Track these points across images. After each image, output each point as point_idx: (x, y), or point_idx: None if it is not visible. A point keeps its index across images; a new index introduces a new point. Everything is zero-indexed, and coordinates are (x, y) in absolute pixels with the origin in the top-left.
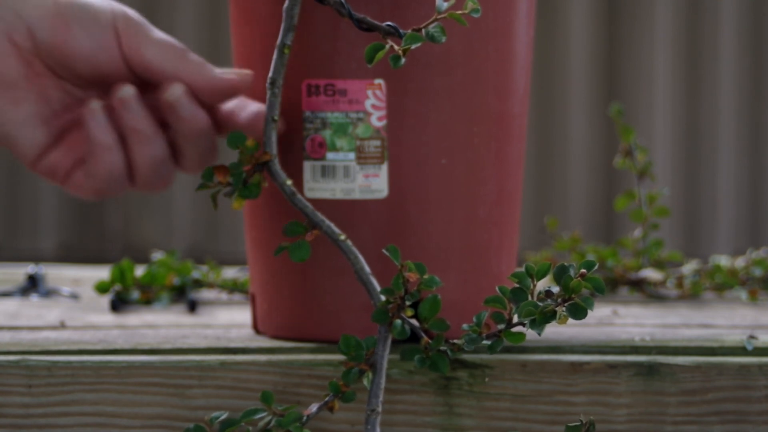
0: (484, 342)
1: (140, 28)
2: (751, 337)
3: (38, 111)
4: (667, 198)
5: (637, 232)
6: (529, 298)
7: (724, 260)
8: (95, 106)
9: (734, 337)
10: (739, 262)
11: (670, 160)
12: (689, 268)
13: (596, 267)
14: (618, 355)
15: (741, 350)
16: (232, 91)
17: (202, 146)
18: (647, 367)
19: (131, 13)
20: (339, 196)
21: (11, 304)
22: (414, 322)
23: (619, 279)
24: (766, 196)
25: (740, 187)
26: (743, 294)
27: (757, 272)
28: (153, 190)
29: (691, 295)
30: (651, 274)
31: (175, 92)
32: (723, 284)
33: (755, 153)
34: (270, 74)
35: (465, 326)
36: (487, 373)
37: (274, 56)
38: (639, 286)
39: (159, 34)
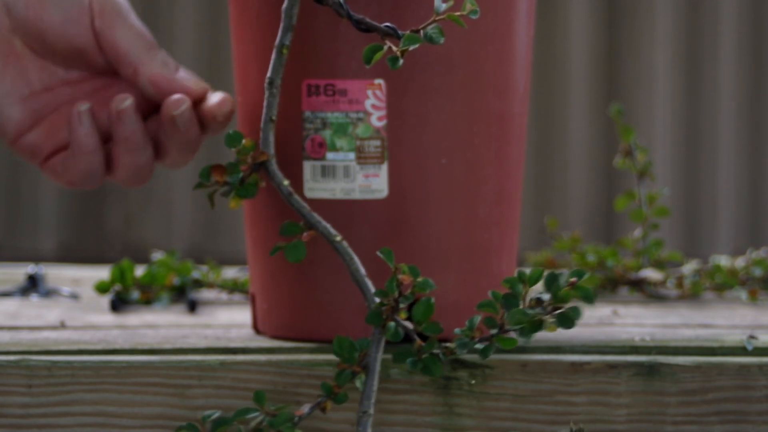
0: (477, 346)
1: (117, 9)
2: (751, 337)
3: (16, 89)
4: (667, 198)
5: (637, 232)
6: (521, 303)
7: (724, 260)
8: (82, 109)
9: (734, 337)
10: (739, 262)
11: (670, 160)
12: (689, 268)
13: (587, 276)
14: (618, 355)
15: (741, 350)
16: (185, 95)
17: (190, 148)
18: (647, 367)
19: None
20: (339, 196)
21: (11, 304)
22: (408, 324)
23: (619, 279)
24: (766, 196)
25: (740, 187)
26: (743, 294)
27: (757, 272)
28: (129, 187)
29: (691, 295)
30: (651, 274)
31: (180, 108)
32: (723, 284)
33: (755, 153)
34: (268, 74)
35: (457, 330)
36: (486, 374)
37: (273, 56)
38: (639, 286)
39: (135, 20)
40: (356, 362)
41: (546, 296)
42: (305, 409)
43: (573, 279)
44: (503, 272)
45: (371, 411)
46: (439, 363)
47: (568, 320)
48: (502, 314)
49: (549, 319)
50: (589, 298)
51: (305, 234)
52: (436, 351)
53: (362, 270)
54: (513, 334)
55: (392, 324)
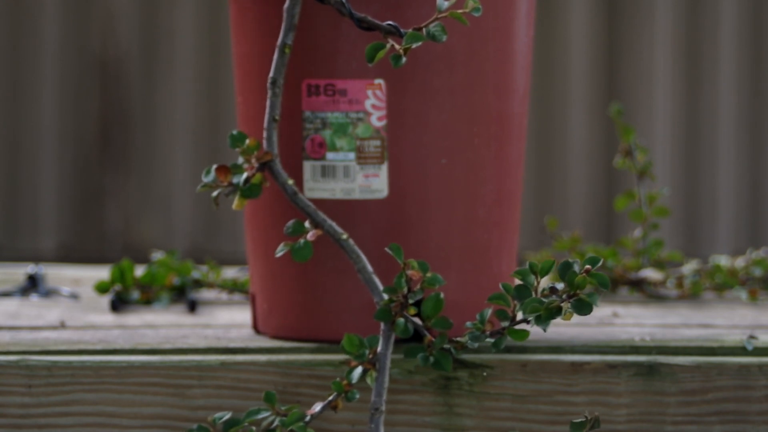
0: (488, 339)
1: None
2: (751, 337)
3: None
4: (667, 198)
5: (637, 232)
6: (533, 295)
7: (724, 260)
8: None
9: (734, 337)
10: (739, 262)
11: (670, 160)
12: (689, 268)
13: (600, 263)
14: (618, 355)
15: (741, 350)
16: None
17: None
18: (647, 367)
19: None
20: (339, 196)
21: (11, 304)
22: (417, 320)
23: (619, 279)
24: (766, 196)
25: (740, 187)
26: (743, 294)
27: (757, 272)
28: None
29: (691, 295)
30: (651, 274)
31: None
32: (723, 284)
33: (755, 153)
34: (271, 74)
35: (469, 324)
36: (486, 374)
37: (275, 56)
38: (639, 286)
39: None
40: (366, 359)
41: (559, 285)
42: (317, 407)
43: (587, 266)
44: (503, 272)
45: (383, 407)
46: (449, 357)
47: (585, 306)
48: (514, 306)
49: (566, 305)
50: (605, 284)
51: (311, 233)
52: (447, 346)
53: (369, 267)
54: (525, 325)
55: (402, 320)
